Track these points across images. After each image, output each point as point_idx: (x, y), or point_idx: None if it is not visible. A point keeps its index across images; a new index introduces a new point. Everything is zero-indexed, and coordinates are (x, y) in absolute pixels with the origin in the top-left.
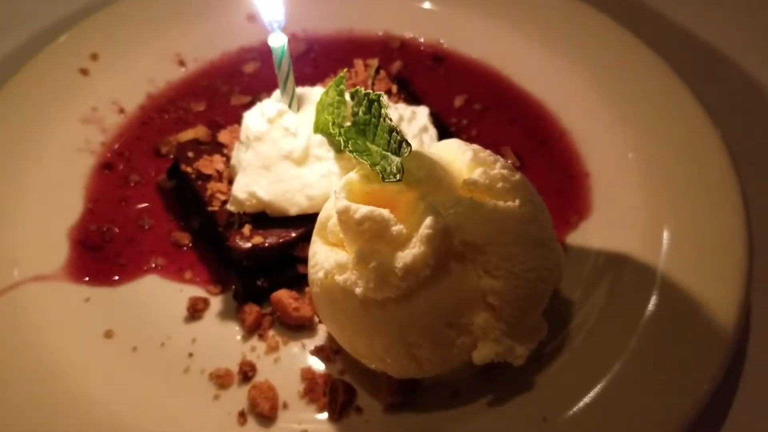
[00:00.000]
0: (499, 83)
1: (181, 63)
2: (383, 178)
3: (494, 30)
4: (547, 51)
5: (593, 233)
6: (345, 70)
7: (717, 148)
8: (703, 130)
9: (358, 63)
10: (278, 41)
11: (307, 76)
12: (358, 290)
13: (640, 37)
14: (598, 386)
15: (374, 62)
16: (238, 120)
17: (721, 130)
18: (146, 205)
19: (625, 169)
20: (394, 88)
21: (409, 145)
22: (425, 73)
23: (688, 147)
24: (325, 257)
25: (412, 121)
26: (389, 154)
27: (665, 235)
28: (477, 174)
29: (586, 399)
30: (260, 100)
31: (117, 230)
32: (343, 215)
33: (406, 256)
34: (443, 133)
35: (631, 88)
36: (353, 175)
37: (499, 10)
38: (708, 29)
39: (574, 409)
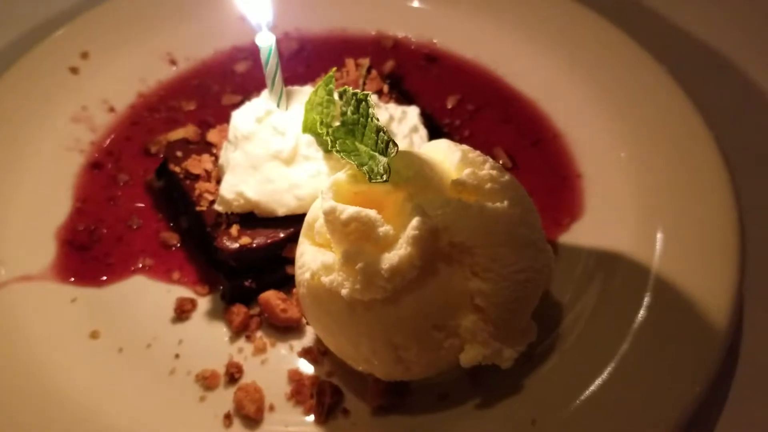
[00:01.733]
0: (492, 84)
1: (173, 62)
2: (370, 179)
3: (488, 30)
4: (540, 51)
5: (585, 235)
6: (334, 69)
7: (710, 150)
8: (696, 132)
9: (350, 62)
10: (266, 40)
11: (300, 76)
12: (344, 291)
13: (633, 38)
14: (588, 389)
15: (365, 62)
16: (228, 120)
17: (715, 131)
18: (135, 204)
19: (618, 170)
20: (386, 88)
21: (395, 145)
22: (418, 73)
23: (681, 149)
24: (312, 258)
25: (403, 121)
26: (377, 154)
27: (658, 237)
28: (465, 175)
29: (576, 402)
30: (251, 99)
31: (105, 230)
32: (330, 216)
33: (392, 257)
34: (436, 134)
35: (624, 89)
36: (341, 176)
37: (493, 10)
38: (703, 30)
39: (564, 411)
